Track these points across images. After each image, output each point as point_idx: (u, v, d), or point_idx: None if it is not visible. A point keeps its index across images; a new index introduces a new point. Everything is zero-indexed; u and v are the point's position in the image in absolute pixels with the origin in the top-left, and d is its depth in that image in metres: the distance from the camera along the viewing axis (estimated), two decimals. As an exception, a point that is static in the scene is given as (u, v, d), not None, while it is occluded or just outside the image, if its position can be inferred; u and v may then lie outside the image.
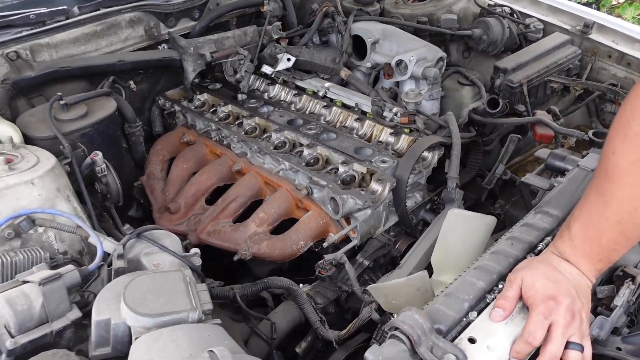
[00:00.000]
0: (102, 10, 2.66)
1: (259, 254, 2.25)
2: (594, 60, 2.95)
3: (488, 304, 1.52)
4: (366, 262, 2.16)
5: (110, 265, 1.67)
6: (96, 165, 2.09)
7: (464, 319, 1.47)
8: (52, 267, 1.75)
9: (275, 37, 2.90)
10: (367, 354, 1.25)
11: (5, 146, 1.98)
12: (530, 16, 3.13)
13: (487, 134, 2.84)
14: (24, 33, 2.47)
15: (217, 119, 2.73)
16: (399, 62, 2.65)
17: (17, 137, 2.08)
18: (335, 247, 2.24)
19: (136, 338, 1.43)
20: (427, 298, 1.69)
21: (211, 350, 1.34)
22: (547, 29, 3.11)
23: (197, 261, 1.73)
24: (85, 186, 2.23)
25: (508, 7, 3.10)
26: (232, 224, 2.41)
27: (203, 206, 2.55)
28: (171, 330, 1.44)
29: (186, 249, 2.48)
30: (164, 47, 2.85)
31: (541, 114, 2.49)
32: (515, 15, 3.08)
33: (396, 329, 1.38)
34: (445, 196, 2.30)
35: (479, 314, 1.48)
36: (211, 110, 2.77)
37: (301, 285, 2.14)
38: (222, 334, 1.50)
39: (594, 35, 2.97)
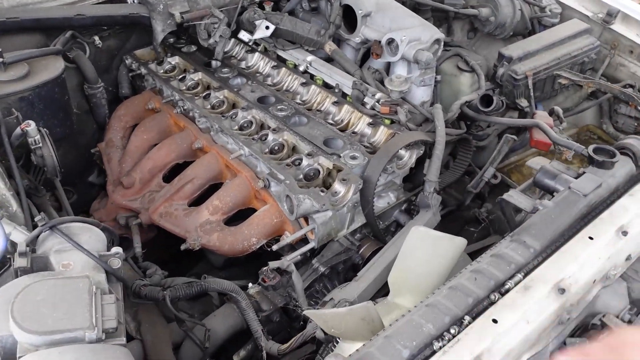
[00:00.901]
0: (64, -45, 2.38)
1: (208, 246, 2.05)
2: (613, 54, 2.63)
3: (434, 352, 1.31)
4: (322, 269, 1.94)
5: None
6: (28, 136, 1.86)
7: (402, 370, 1.26)
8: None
9: (257, -1, 2.61)
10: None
11: None
12: (549, -2, 2.79)
13: (482, 128, 2.56)
14: (-28, -23, 2.22)
15: (184, 88, 2.47)
16: (390, 41, 2.35)
17: (-57, 98, 1.86)
18: (291, 247, 2.03)
19: (20, 357, 1.25)
20: (373, 328, 1.48)
21: (97, 386, 1.15)
22: (566, 13, 2.78)
23: (116, 263, 1.51)
24: (26, 157, 2.03)
25: (523, -14, 2.76)
26: (186, 208, 2.20)
27: (160, 183, 2.34)
28: (61, 352, 1.24)
29: (127, 226, 2.31)
30: (133, 2, 2.56)
31: (541, 117, 2.20)
32: (529, -5, 2.74)
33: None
34: (421, 201, 2.05)
35: (420, 365, 1.27)
36: (180, 77, 2.51)
37: (250, 285, 1.94)
38: (123, 357, 1.30)
39: (617, 26, 2.64)
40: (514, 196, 1.76)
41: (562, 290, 1.46)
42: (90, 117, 2.65)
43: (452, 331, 1.35)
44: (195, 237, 2.06)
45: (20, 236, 1.56)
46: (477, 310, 1.41)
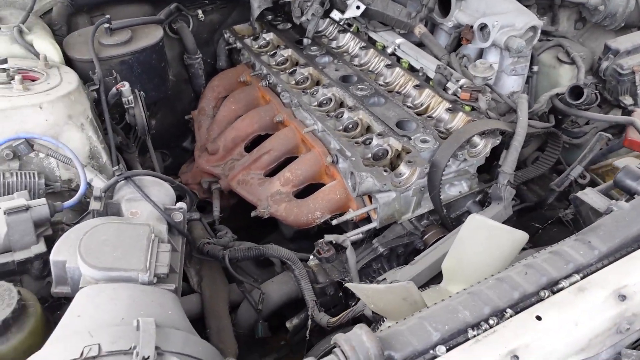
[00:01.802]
0: None
1: (276, 215, 2.12)
2: None
3: (468, 339, 1.27)
4: (381, 249, 1.94)
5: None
6: (123, 96, 2.03)
7: (430, 352, 1.24)
8: (48, 194, 1.76)
9: (354, -22, 2.61)
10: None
11: (38, 64, 1.98)
12: (674, -13, 2.53)
13: (579, 125, 2.39)
14: (94, -51, 2.44)
15: (274, 63, 2.56)
16: (483, 26, 2.26)
17: (56, 56, 2.08)
18: (355, 225, 2.04)
19: (81, 287, 1.39)
20: (415, 309, 1.46)
21: (138, 321, 1.25)
22: (693, 5, 2.50)
23: (178, 217, 1.62)
24: (122, 114, 2.21)
25: (644, -28, 2.52)
26: (262, 178, 2.29)
27: (241, 152, 2.44)
28: (115, 288, 1.37)
29: (209, 191, 2.44)
30: (235, -22, 2.69)
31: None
32: (651, -17, 2.50)
33: (338, 347, 1.20)
34: (494, 192, 1.98)
35: (449, 350, 1.24)
36: (271, 53, 2.60)
37: (311, 257, 1.99)
38: (169, 302, 1.40)
39: None
40: (589, 194, 1.64)
41: (623, 297, 1.34)
42: (189, 85, 2.84)
43: (491, 322, 1.29)
44: (265, 205, 2.14)
45: (100, 183, 1.72)
46: (522, 305, 1.34)
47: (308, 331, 1.73)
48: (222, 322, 1.77)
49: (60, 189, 1.78)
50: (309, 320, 1.74)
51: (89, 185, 1.70)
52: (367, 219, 2.01)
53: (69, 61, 2.13)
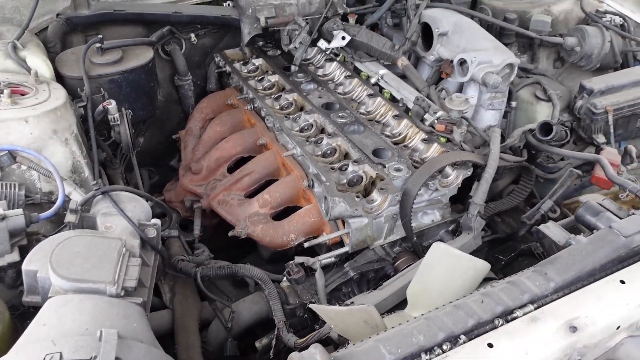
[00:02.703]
0: (173, -42, 2.65)
1: (252, 236, 2.16)
2: None
3: (421, 364, 1.31)
4: (352, 273, 1.98)
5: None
6: (109, 114, 2.09)
7: (383, 375, 1.28)
8: (28, 205, 1.81)
9: (341, 11, 2.71)
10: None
11: (29, 79, 2.04)
12: (651, 32, 2.62)
13: (554, 160, 2.45)
14: (91, -29, 2.53)
15: (261, 87, 2.63)
16: (462, 61, 2.34)
17: (47, 72, 2.15)
18: (328, 248, 2.09)
19: (50, 297, 1.43)
20: (376, 332, 1.49)
21: (101, 331, 1.29)
22: (668, 51, 2.59)
23: (152, 232, 1.67)
24: (109, 132, 2.27)
25: (621, 17, 2.61)
26: (242, 198, 2.34)
27: (224, 173, 2.50)
28: (81, 299, 1.41)
29: (192, 209, 2.49)
30: (229, 5, 2.78)
31: (608, 153, 2.08)
32: (626, 28, 2.59)
33: (292, 364, 1.24)
34: (464, 222, 2.03)
35: (401, 373, 1.28)
36: (259, 78, 2.68)
37: (284, 279, 2.02)
38: (134, 315, 1.43)
39: None
40: (550, 228, 1.70)
41: (574, 329, 1.38)
42: (178, 106, 2.91)
43: (444, 347, 1.34)
44: (243, 226, 2.19)
45: (79, 197, 1.76)
46: (477, 332, 1.38)
47: (272, 351, 1.76)
48: (191, 339, 1.81)
49: (40, 200, 1.83)
50: (274, 340, 1.77)
51: (67, 198, 1.74)
52: (341, 243, 2.05)
53: (60, 78, 2.20)
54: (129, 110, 2.21)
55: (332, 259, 2.00)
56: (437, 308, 1.44)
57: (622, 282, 1.49)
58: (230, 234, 2.20)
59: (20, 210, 1.55)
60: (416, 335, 1.34)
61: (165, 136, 2.88)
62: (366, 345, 1.33)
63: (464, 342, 1.35)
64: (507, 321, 1.40)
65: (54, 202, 1.85)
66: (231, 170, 2.49)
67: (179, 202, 2.60)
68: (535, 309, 1.43)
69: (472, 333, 1.38)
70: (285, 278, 2.01)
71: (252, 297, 1.97)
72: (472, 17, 2.60)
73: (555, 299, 1.46)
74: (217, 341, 1.92)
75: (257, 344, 1.95)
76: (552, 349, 1.36)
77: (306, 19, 2.65)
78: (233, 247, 2.57)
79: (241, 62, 2.81)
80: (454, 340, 1.35)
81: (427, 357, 1.31)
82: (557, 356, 1.37)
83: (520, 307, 1.43)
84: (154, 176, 2.95)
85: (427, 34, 2.59)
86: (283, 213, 2.25)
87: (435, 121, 2.19)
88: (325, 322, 1.85)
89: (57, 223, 1.80)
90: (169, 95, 2.85)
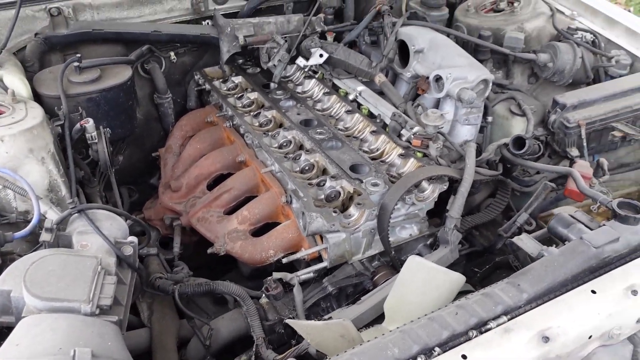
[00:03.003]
0: (151, -21, 2.67)
1: (232, 252, 2.17)
2: (685, 111, 2.47)
3: (396, 376, 1.32)
4: (330, 288, 1.98)
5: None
6: (86, 132, 2.10)
7: (358, 388, 1.29)
8: (3, 224, 1.80)
9: (319, 29, 2.75)
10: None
11: (6, 98, 2.04)
12: (620, 47, 2.68)
13: (530, 174, 2.49)
14: (71, -9, 2.54)
15: (240, 105, 2.65)
16: (438, 78, 2.39)
17: (25, 91, 2.15)
18: (307, 264, 2.09)
19: (24, 316, 1.42)
20: (352, 346, 1.51)
21: (75, 350, 1.28)
22: (637, 65, 2.65)
23: (128, 250, 1.67)
24: (87, 151, 2.27)
25: (592, 33, 2.68)
26: (221, 215, 2.34)
27: (203, 190, 2.50)
28: (55, 318, 1.40)
29: (171, 227, 2.49)
30: (208, 24, 2.80)
31: (580, 166, 2.12)
32: (597, 44, 2.65)
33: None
34: (441, 236, 2.05)
35: (377, 386, 1.29)
36: (238, 95, 2.70)
37: (263, 295, 2.02)
38: (110, 333, 1.43)
39: (691, 83, 2.49)
40: (524, 240, 1.72)
41: (547, 339, 1.41)
42: (158, 124, 2.92)
43: (418, 359, 1.35)
44: (222, 242, 2.19)
45: (55, 216, 1.76)
46: (451, 344, 1.40)
47: (253, 365, 1.76)
48: (169, 357, 1.80)
49: (15, 220, 1.82)
50: (253, 357, 1.77)
51: (43, 217, 1.73)
52: (319, 259, 2.06)
53: (38, 97, 2.20)
54: (107, 129, 2.21)
55: (311, 275, 2.01)
56: (412, 321, 1.45)
57: (593, 292, 1.52)
58: (209, 251, 2.20)
59: (-8, 230, 1.55)
60: (391, 348, 1.35)
61: (145, 154, 2.88)
62: (342, 359, 1.34)
63: (438, 354, 1.37)
64: (481, 332, 1.42)
65: (29, 222, 1.84)
66: (211, 187, 2.50)
67: (158, 220, 2.60)
68: (509, 320, 1.45)
69: (447, 345, 1.39)
70: (263, 295, 2.01)
71: (230, 314, 1.97)
72: (448, 35, 2.65)
73: (528, 310, 1.48)
74: (196, 359, 1.91)
75: (236, 362, 1.95)
76: (525, 359, 1.38)
77: (285, 37, 2.69)
78: (213, 265, 2.56)
79: (221, 80, 2.83)
80: (428, 353, 1.37)
81: (402, 369, 1.32)
82: (530, 366, 1.39)
83: (494, 319, 1.45)
84: (134, 194, 2.95)
85: (403, 51, 2.63)
86: (262, 229, 2.26)
87: (412, 136, 2.22)
88: (302, 337, 1.86)
89: (33, 242, 1.79)
90: (148, 113, 2.86)
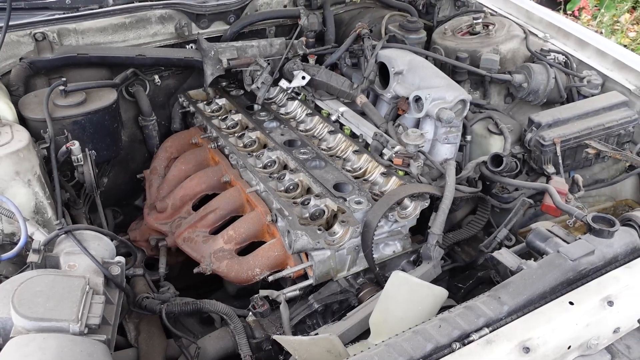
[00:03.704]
0: (135, 4, 2.71)
1: (218, 271, 2.19)
2: (655, 128, 2.57)
3: (381, 389, 1.35)
4: (316, 305, 2.01)
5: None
6: (72, 154, 2.12)
7: (346, 402, 1.31)
8: (-11, 247, 1.80)
9: (301, 52, 2.81)
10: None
11: (-9, 122, 2.06)
12: (592, 68, 2.79)
13: (509, 191, 2.56)
14: (56, 16, 2.58)
15: (224, 126, 2.69)
16: (417, 98, 2.46)
17: (10, 115, 2.16)
18: (293, 282, 2.12)
19: (12, 337, 1.42)
20: (339, 362, 1.54)
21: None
22: (608, 85, 2.75)
23: (116, 270, 1.68)
24: (72, 173, 2.29)
25: (564, 55, 2.78)
26: (207, 235, 2.36)
27: (189, 211, 2.52)
28: (44, 338, 1.41)
29: (157, 248, 2.50)
30: (191, 47, 2.85)
31: (556, 182, 2.19)
32: (569, 65, 2.76)
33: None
34: (424, 252, 2.10)
35: (364, 399, 1.32)
36: (222, 117, 2.74)
37: (250, 314, 2.04)
38: (99, 352, 1.44)
39: (661, 101, 2.59)
40: (503, 254, 1.78)
41: (527, 350, 1.45)
42: (143, 146, 2.94)
43: (403, 373, 1.38)
44: (208, 262, 2.21)
45: (42, 237, 1.77)
46: (435, 356, 1.44)
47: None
48: (157, 376, 1.80)
49: (1, 242, 1.83)
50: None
51: (30, 239, 1.74)
52: (305, 276, 2.09)
53: (23, 120, 2.22)
54: (93, 151, 2.23)
55: (297, 292, 2.03)
56: (397, 335, 1.49)
57: (571, 303, 1.58)
58: (195, 270, 2.22)
59: (-21, 252, 1.56)
60: (376, 361, 1.39)
61: (130, 176, 2.90)
62: (328, 374, 1.37)
63: (423, 367, 1.40)
64: (464, 344, 1.46)
65: (16, 244, 1.84)
66: (196, 207, 2.52)
67: (144, 241, 2.60)
68: (491, 332, 1.49)
69: (431, 357, 1.43)
70: (250, 312, 2.03)
71: (217, 333, 1.98)
72: (426, 57, 2.73)
73: (509, 322, 1.53)
74: (184, 379, 1.92)
75: (223, 381, 1.96)
76: (506, 369, 1.43)
77: (267, 60, 2.74)
78: (199, 285, 2.58)
79: (205, 102, 2.87)
80: (414, 365, 1.40)
81: (388, 382, 1.36)
82: (512, 376, 1.44)
83: (476, 331, 1.49)
84: (119, 216, 2.96)
85: (384, 73, 2.70)
86: (248, 249, 2.28)
87: (393, 155, 2.28)
88: (288, 354, 1.88)
89: (19, 264, 1.80)
90: (133, 136, 2.88)
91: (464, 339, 1.47)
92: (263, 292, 1.92)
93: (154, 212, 2.58)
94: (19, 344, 1.39)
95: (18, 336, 1.41)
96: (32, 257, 1.62)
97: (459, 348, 1.44)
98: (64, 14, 2.60)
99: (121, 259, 1.73)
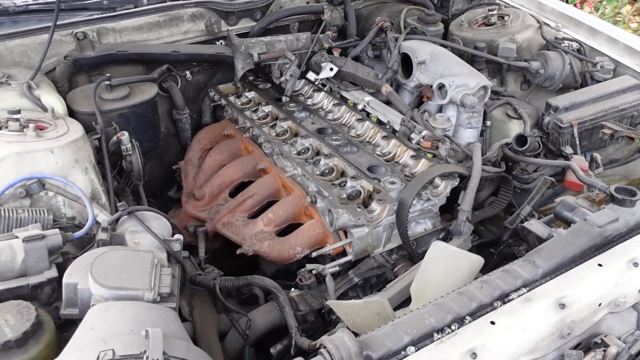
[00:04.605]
0: (168, 3, 2.85)
1: (260, 252, 2.32)
2: (666, 109, 2.71)
3: (434, 341, 1.48)
4: (356, 279, 2.15)
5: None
6: (122, 144, 2.25)
7: (402, 352, 1.45)
8: (54, 228, 1.94)
9: (326, 45, 2.95)
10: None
11: (46, 115, 2.19)
12: (603, 54, 2.93)
13: (528, 172, 2.70)
14: (95, 16, 2.72)
15: (256, 118, 2.82)
16: (441, 86, 2.59)
17: (61, 109, 2.30)
18: (332, 259, 2.25)
19: (92, 305, 1.56)
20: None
21: (147, 330, 1.42)
22: (620, 70, 2.89)
23: (176, 246, 1.82)
24: (120, 166, 2.42)
25: (577, 42, 2.92)
26: (245, 219, 2.50)
27: (226, 198, 2.66)
28: (123, 305, 1.54)
29: (195, 235, 2.63)
30: (221, 43, 2.99)
31: (576, 160, 2.33)
32: (582, 52, 2.89)
33: (324, 347, 1.40)
34: (454, 228, 2.23)
35: (418, 350, 1.45)
36: (253, 109, 2.88)
37: (293, 289, 2.17)
38: (171, 318, 1.57)
39: (671, 84, 2.73)
40: (533, 224, 1.91)
41: (563, 306, 1.58)
42: (176, 138, 3.08)
43: (453, 327, 1.52)
44: (249, 243, 2.34)
45: (104, 218, 1.91)
46: (479, 313, 1.57)
47: (293, 349, 1.90)
48: (213, 347, 1.93)
49: (65, 224, 1.96)
50: (294, 342, 1.91)
51: (95, 220, 1.88)
52: (343, 253, 2.23)
53: (72, 114, 2.35)
54: (136, 142, 2.37)
55: (337, 268, 2.17)
56: (442, 296, 1.62)
57: (600, 265, 1.71)
58: (238, 251, 2.35)
59: (57, 230, 1.69)
60: (427, 318, 1.52)
61: (165, 168, 3.04)
62: (385, 329, 1.50)
63: (470, 322, 1.54)
64: (505, 302, 1.60)
65: (77, 226, 1.99)
66: (232, 194, 2.66)
67: (182, 228, 2.73)
68: (528, 291, 1.63)
69: (476, 314, 1.56)
70: (293, 289, 2.16)
71: (265, 307, 2.12)
72: (446, 47, 2.87)
73: (544, 282, 1.66)
74: (235, 350, 2.05)
75: (272, 350, 2.09)
76: (545, 323, 1.56)
77: (295, 54, 2.88)
78: (235, 271, 2.71)
79: (235, 95, 3.01)
80: (460, 321, 1.54)
81: (439, 335, 1.49)
82: (550, 330, 1.57)
83: (515, 291, 1.62)
84: (153, 207, 3.08)
85: (406, 63, 2.84)
86: (285, 231, 2.41)
87: (422, 139, 2.41)
88: (335, 325, 2.01)
89: (80, 246, 1.93)
90: (167, 129, 3.02)
91: (504, 298, 1.61)
92: (310, 266, 2.06)
93: (192, 200, 2.71)
94: (101, 310, 1.52)
95: (99, 304, 1.54)
96: (101, 235, 1.75)
97: (501, 306, 1.58)
98: (102, 14, 2.74)
99: (180, 236, 1.86)
